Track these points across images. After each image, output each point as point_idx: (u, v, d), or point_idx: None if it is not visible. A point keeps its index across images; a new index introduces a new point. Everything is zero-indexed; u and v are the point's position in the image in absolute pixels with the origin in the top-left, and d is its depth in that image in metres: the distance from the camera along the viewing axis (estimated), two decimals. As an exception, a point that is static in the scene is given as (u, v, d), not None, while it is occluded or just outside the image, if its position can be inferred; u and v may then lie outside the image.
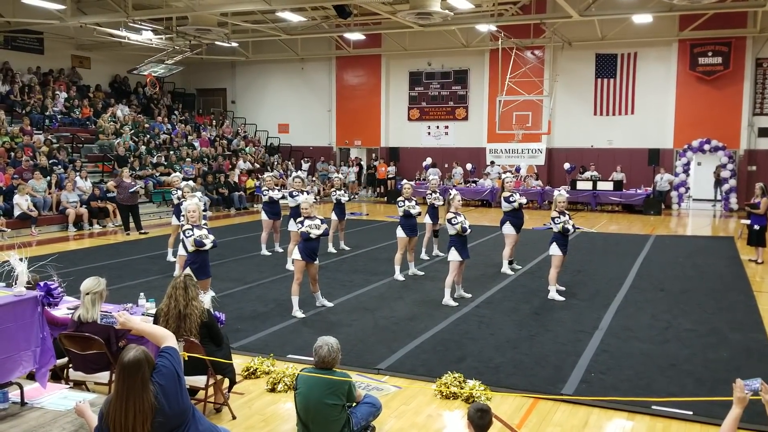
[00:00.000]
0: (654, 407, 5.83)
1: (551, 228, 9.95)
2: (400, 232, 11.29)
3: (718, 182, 23.42)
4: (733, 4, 19.51)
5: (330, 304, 9.32)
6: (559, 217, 9.75)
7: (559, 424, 5.64)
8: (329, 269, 12.07)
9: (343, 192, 13.91)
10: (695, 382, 6.52)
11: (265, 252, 13.65)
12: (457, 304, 9.48)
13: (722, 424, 3.50)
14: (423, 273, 11.65)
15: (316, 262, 9.02)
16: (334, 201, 13.76)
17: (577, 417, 5.77)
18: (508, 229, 11.74)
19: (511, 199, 11.68)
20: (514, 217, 11.73)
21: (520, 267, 12.21)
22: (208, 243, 8.16)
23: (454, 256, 9.47)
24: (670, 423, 5.65)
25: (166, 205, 20.89)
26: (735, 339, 7.94)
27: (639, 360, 7.13)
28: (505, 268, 11.87)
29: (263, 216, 13.58)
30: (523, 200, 11.89)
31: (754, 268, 12.55)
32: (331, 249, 13.89)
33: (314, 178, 27.01)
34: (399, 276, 11.26)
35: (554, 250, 9.82)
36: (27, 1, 18.27)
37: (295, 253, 8.96)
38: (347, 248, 14.18)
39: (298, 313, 8.89)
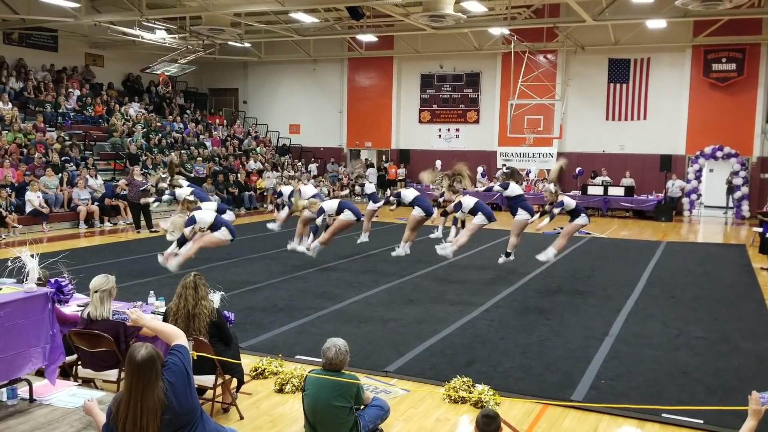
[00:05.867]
0: (664, 415, 5.77)
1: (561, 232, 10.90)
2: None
3: (730, 189, 23.24)
4: (748, 11, 19.33)
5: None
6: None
7: (569, 430, 5.60)
8: (338, 270, 12.08)
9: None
10: (706, 390, 6.46)
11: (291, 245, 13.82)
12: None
13: (736, 434, 3.48)
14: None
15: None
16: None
17: (586, 424, 5.73)
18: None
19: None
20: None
21: (514, 257, 11.89)
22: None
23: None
24: (680, 431, 5.60)
25: (176, 204, 20.90)
26: (746, 348, 7.87)
27: (649, 367, 7.07)
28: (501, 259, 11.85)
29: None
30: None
31: (766, 277, 12.44)
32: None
33: (322, 179, 26.99)
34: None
35: None
36: (42, -2, 18.42)
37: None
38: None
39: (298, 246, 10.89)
